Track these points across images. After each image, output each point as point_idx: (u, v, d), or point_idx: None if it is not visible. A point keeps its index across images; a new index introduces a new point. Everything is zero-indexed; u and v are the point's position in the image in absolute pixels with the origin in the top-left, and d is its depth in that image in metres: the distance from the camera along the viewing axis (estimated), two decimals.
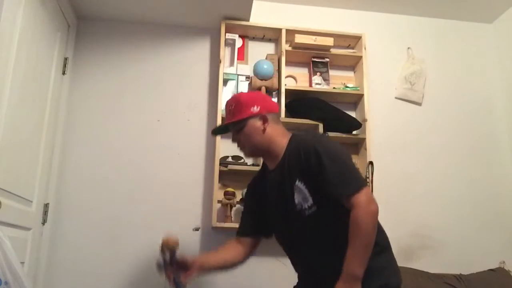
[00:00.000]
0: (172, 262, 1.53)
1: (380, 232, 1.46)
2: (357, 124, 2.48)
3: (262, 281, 2.28)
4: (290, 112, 2.43)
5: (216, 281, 2.26)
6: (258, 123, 1.54)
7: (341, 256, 1.32)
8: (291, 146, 1.52)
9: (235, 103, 1.58)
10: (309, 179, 1.43)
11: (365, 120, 2.48)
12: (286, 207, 1.50)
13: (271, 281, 2.27)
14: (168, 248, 1.54)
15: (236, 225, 2.22)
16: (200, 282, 2.24)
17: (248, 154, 1.68)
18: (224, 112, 2.33)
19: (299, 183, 1.45)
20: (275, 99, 2.46)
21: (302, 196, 1.44)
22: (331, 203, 1.39)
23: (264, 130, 1.54)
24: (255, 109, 1.54)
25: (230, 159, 2.33)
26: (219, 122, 2.31)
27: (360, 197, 1.33)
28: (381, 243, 1.46)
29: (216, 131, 1.76)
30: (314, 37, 2.51)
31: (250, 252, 1.70)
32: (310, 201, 1.42)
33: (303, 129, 2.33)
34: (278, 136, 1.56)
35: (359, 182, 1.39)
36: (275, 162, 1.56)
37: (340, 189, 1.36)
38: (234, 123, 1.56)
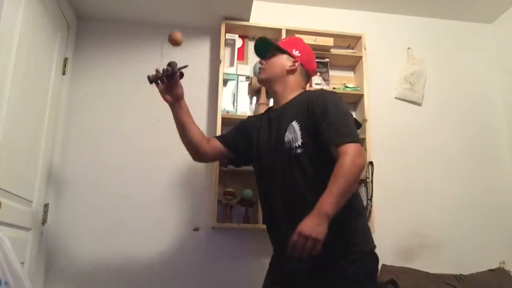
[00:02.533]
0: (172, 66, 1.60)
1: (358, 198, 1.55)
2: (357, 124, 2.47)
3: (261, 281, 2.27)
4: None
5: (215, 281, 2.26)
6: (288, 62, 1.68)
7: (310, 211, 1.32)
8: (299, 96, 1.63)
9: (292, 39, 1.84)
10: (306, 122, 1.50)
11: (365, 120, 2.48)
12: (274, 143, 1.57)
13: None
14: (176, 43, 1.67)
15: (236, 225, 2.25)
16: (199, 282, 2.24)
17: (261, 78, 1.76)
18: (223, 112, 2.35)
19: (295, 123, 1.52)
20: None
21: (293, 135, 1.51)
22: (320, 150, 1.45)
23: (287, 71, 1.67)
24: (296, 53, 1.70)
25: None
26: (219, 122, 2.31)
27: (350, 147, 1.38)
28: (359, 209, 1.53)
29: (259, 45, 1.81)
30: (314, 37, 2.51)
31: (212, 154, 1.76)
32: (299, 142, 1.48)
33: None
34: (295, 85, 1.68)
35: (355, 137, 1.44)
36: (280, 103, 1.66)
37: (335, 136, 1.42)
38: (275, 46, 1.73)
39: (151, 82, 1.61)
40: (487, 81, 2.85)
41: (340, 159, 1.36)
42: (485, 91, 2.83)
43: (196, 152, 1.73)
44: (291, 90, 1.66)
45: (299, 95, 1.63)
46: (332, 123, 1.44)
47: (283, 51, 1.70)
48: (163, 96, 1.64)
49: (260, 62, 1.77)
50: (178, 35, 1.68)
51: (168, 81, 1.62)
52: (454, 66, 2.84)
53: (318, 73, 2.57)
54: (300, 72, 1.69)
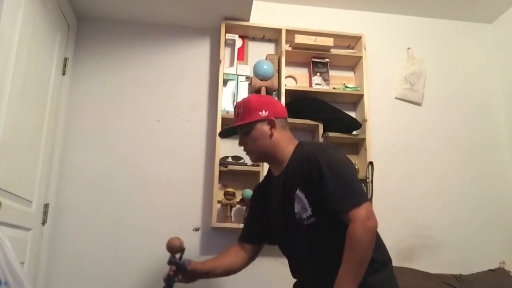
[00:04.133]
0: (174, 263, 1.54)
1: (379, 248, 1.44)
2: (357, 124, 2.48)
3: (260, 281, 2.28)
4: (290, 113, 2.37)
5: (214, 282, 2.26)
6: (265, 127, 1.54)
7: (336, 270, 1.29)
8: (295, 155, 1.51)
9: (244, 106, 1.58)
10: (309, 189, 1.41)
11: (365, 120, 2.48)
12: (286, 216, 1.49)
13: (269, 281, 2.27)
14: (173, 252, 1.56)
15: (236, 225, 2.25)
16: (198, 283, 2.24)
17: (254, 159, 1.66)
18: (223, 113, 2.35)
19: (299, 192, 1.43)
20: None
21: (301, 205, 1.43)
22: (331, 215, 1.36)
23: (271, 135, 1.53)
24: (264, 113, 1.54)
25: (230, 159, 2.33)
26: (219, 122, 2.31)
27: (359, 212, 1.30)
28: (379, 260, 1.42)
29: (224, 133, 1.71)
30: (314, 37, 2.51)
31: (252, 257, 1.71)
32: (309, 212, 1.41)
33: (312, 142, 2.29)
34: (285, 142, 1.55)
35: (359, 196, 1.35)
36: (280, 168, 1.55)
37: (340, 203, 1.34)
38: (241, 126, 1.56)
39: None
40: (487, 81, 2.85)
41: (350, 226, 1.30)
42: (485, 91, 2.83)
43: (244, 267, 1.71)
44: (285, 150, 1.54)
45: (294, 155, 1.52)
46: (331, 190, 1.35)
47: (252, 123, 1.54)
48: (182, 282, 1.58)
49: (240, 144, 1.62)
50: (176, 241, 1.56)
51: (183, 273, 1.55)
52: (454, 66, 2.84)
53: (318, 73, 2.57)
54: (280, 125, 1.56)
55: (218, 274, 1.67)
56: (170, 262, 1.54)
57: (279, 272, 2.16)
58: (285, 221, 1.51)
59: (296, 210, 1.44)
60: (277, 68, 2.48)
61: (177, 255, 1.55)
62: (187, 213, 2.33)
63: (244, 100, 1.63)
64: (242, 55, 2.58)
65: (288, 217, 1.48)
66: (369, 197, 2.36)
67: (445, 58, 2.84)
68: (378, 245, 1.42)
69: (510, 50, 2.79)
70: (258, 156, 1.60)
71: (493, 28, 2.95)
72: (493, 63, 2.88)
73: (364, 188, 1.96)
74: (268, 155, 1.57)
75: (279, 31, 2.53)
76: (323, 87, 2.54)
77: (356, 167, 1.52)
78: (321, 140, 2.38)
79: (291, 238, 1.52)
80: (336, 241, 1.33)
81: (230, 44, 2.55)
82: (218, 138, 2.29)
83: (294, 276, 1.60)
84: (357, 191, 1.37)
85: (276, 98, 2.45)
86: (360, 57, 2.59)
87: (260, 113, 1.54)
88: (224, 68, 2.44)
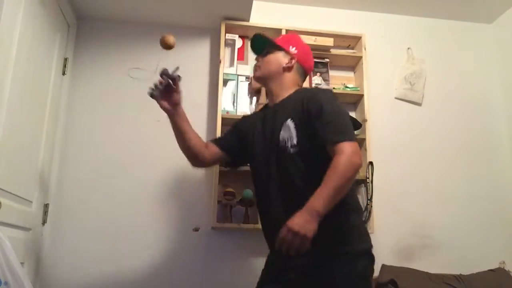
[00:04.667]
0: (166, 75, 1.57)
1: (353, 195, 1.53)
2: (357, 124, 2.48)
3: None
4: None
5: (215, 282, 2.26)
6: (284, 59, 1.66)
7: None
8: (295, 93, 1.61)
9: (288, 36, 1.81)
10: (301, 121, 1.48)
11: (365, 120, 2.48)
12: (270, 142, 1.55)
13: None
14: (168, 47, 1.62)
15: (236, 225, 2.25)
16: (199, 282, 2.24)
17: (256, 76, 1.73)
18: (223, 113, 2.35)
19: (290, 121, 1.50)
20: None
21: (288, 134, 1.49)
22: (315, 149, 1.43)
23: (284, 68, 1.65)
24: (293, 50, 1.68)
25: None
26: (219, 122, 2.31)
27: (347, 145, 1.37)
28: (352, 205, 1.50)
29: (255, 40, 1.75)
30: (314, 37, 2.51)
31: (206, 158, 1.73)
32: (295, 141, 1.47)
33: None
34: (291, 82, 1.66)
35: (351, 135, 1.44)
36: (275, 100, 1.65)
37: (331, 135, 1.40)
38: (272, 43, 1.69)
39: (156, 98, 1.59)
40: (487, 81, 2.85)
41: (336, 157, 1.35)
42: (485, 91, 2.83)
43: (195, 159, 1.72)
44: (286, 88, 1.64)
45: (294, 92, 1.61)
46: (328, 122, 1.42)
47: (280, 48, 1.68)
48: (162, 106, 1.62)
49: (256, 59, 1.75)
50: (170, 38, 1.63)
51: (167, 90, 1.59)
52: (454, 66, 2.84)
53: (318, 73, 2.57)
54: (296, 69, 1.67)
55: (183, 135, 1.68)
56: (163, 74, 1.57)
57: None
58: (267, 147, 1.56)
59: (280, 138, 1.50)
60: None
61: (170, 70, 1.57)
62: (187, 213, 2.33)
63: (292, 34, 1.87)
64: (242, 55, 2.58)
65: (270, 143, 1.54)
66: (369, 197, 2.36)
67: (445, 58, 2.84)
68: (352, 192, 1.50)
69: (510, 50, 2.79)
70: (261, 75, 1.69)
71: (493, 28, 2.95)
72: (493, 63, 2.88)
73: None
74: (270, 81, 1.67)
75: (279, 31, 2.53)
76: (323, 87, 2.54)
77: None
78: None
79: (268, 167, 1.55)
80: (311, 174, 1.40)
81: (230, 44, 2.55)
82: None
83: (260, 220, 1.63)
84: (350, 130, 1.46)
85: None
86: (360, 57, 2.59)
87: (291, 47, 1.68)
88: (224, 68, 2.44)
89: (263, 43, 1.73)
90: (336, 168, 1.32)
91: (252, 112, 1.90)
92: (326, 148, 1.41)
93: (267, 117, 1.63)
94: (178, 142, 1.71)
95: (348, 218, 1.45)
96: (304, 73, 1.73)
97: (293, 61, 1.66)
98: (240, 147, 1.73)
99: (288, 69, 1.65)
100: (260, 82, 1.81)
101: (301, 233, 1.24)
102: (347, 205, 1.41)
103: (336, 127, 1.42)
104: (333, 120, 1.43)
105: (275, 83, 1.65)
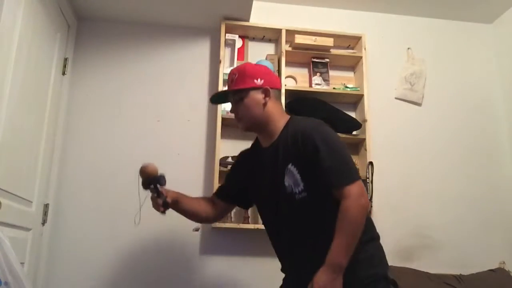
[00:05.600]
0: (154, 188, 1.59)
1: (369, 223, 1.48)
2: (357, 125, 2.48)
3: (262, 281, 2.28)
4: (290, 113, 2.42)
5: (215, 282, 2.26)
6: (259, 96, 1.51)
7: (327, 248, 1.31)
8: (288, 129, 1.50)
9: (239, 72, 1.54)
10: (302, 165, 1.42)
11: (365, 121, 2.48)
12: (275, 188, 1.49)
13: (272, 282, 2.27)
14: (145, 176, 1.60)
15: (236, 225, 2.25)
16: (199, 282, 2.24)
17: (244, 127, 1.58)
18: (223, 113, 2.35)
19: (292, 166, 1.44)
20: None
21: (293, 180, 1.44)
22: (323, 192, 1.39)
23: (265, 104, 1.51)
24: (259, 81, 1.51)
25: (230, 159, 2.32)
26: (219, 122, 2.31)
27: (352, 189, 1.34)
28: (369, 233, 1.46)
29: (216, 99, 1.67)
30: (314, 37, 2.51)
31: (219, 215, 1.75)
32: (301, 186, 1.42)
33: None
34: (277, 114, 1.54)
35: (353, 174, 1.38)
36: (270, 141, 1.54)
37: (333, 179, 1.36)
38: (235, 91, 1.53)
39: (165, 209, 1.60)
40: (487, 81, 2.85)
41: (343, 203, 1.32)
42: (485, 91, 2.83)
43: (204, 222, 1.79)
44: (277, 122, 1.53)
45: (285, 128, 1.51)
46: (327, 167, 1.36)
47: (246, 90, 1.52)
48: (160, 209, 1.60)
49: (231, 112, 1.60)
50: (148, 167, 1.61)
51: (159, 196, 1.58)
52: (454, 66, 2.84)
53: (318, 73, 2.57)
54: (273, 96, 1.54)
55: (182, 210, 1.67)
56: (149, 185, 1.60)
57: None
58: (274, 194, 1.51)
59: (286, 184, 1.45)
60: (277, 68, 2.48)
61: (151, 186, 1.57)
62: None
63: (239, 66, 1.60)
64: (242, 55, 2.58)
65: (277, 190, 1.48)
66: (369, 197, 2.36)
67: (445, 58, 2.84)
68: (369, 220, 1.47)
69: (510, 50, 2.79)
70: (249, 124, 1.55)
71: (493, 28, 2.95)
72: (493, 63, 2.88)
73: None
74: (260, 125, 1.54)
75: (279, 31, 2.53)
76: (323, 87, 2.54)
77: (356, 166, 1.55)
78: None
79: (277, 212, 1.52)
80: (324, 221, 1.38)
81: (230, 44, 2.55)
82: (218, 138, 2.29)
83: (280, 260, 1.60)
84: (351, 168, 1.40)
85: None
86: (360, 57, 2.59)
87: (255, 80, 1.51)
88: (224, 68, 2.44)
89: (225, 97, 1.63)
90: (345, 216, 1.31)
91: (236, 158, 1.80)
92: (332, 192, 1.38)
93: (265, 162, 1.55)
94: (188, 218, 1.74)
95: (368, 248, 1.43)
96: (279, 92, 1.65)
97: (268, 92, 1.52)
98: (244, 194, 1.69)
99: (266, 102, 1.52)
100: (251, 131, 1.61)
101: None
102: (363, 236, 1.38)
103: (337, 171, 1.37)
104: (332, 164, 1.37)
105: (266, 124, 1.53)
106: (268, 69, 1.63)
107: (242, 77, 1.52)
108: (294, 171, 1.43)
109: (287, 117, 1.56)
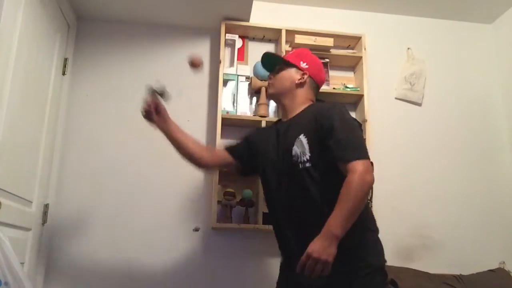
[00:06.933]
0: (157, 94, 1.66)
1: (371, 215, 1.56)
2: (357, 125, 2.48)
3: (262, 281, 2.28)
4: None
5: (215, 282, 2.26)
6: (296, 76, 1.67)
7: (323, 222, 1.32)
8: (308, 108, 1.62)
9: (297, 51, 1.80)
10: (314, 137, 1.48)
11: (365, 121, 2.48)
12: (282, 156, 1.56)
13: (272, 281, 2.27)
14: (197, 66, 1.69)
15: (236, 226, 2.25)
16: (199, 282, 2.24)
17: (270, 94, 1.75)
18: (223, 113, 2.35)
19: (303, 136, 1.50)
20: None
21: (301, 149, 1.49)
22: (327, 166, 1.43)
23: (297, 85, 1.65)
24: (304, 65, 1.69)
25: None
26: (219, 122, 2.31)
27: (359, 165, 1.37)
28: (371, 222, 1.54)
29: (265, 58, 1.77)
30: (314, 37, 2.51)
31: (212, 163, 1.79)
32: (307, 156, 1.47)
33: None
34: (304, 97, 1.66)
35: (363, 152, 1.42)
36: (289, 116, 1.65)
37: (343, 153, 1.40)
38: (283, 60, 1.72)
39: (150, 120, 1.69)
40: (487, 81, 2.85)
41: (348, 176, 1.35)
42: (485, 91, 2.83)
43: (197, 164, 1.76)
44: (300, 103, 1.64)
45: (307, 107, 1.62)
46: (339, 139, 1.42)
47: (291, 65, 1.69)
48: (156, 125, 1.70)
49: (268, 77, 1.76)
50: (198, 60, 1.72)
51: (156, 109, 1.69)
52: (454, 66, 2.84)
53: None
54: (309, 84, 1.68)
55: (175, 139, 1.72)
56: (152, 92, 1.68)
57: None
58: (279, 162, 1.57)
59: (293, 153, 1.50)
60: None
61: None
62: (187, 213, 2.33)
63: (302, 48, 1.85)
64: (242, 55, 2.58)
65: (283, 158, 1.55)
66: (369, 197, 2.35)
67: (445, 58, 2.84)
68: (370, 214, 1.55)
69: (510, 50, 2.79)
70: (274, 92, 1.71)
71: (493, 28, 2.95)
72: (493, 64, 2.88)
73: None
74: (283, 98, 1.68)
75: (279, 31, 2.53)
76: (323, 87, 2.53)
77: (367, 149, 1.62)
78: None
79: (280, 182, 1.56)
80: (323, 189, 1.43)
81: (230, 44, 2.55)
82: (218, 138, 2.29)
83: (277, 235, 1.63)
84: (362, 147, 1.45)
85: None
86: (360, 57, 2.59)
87: (301, 62, 1.69)
88: (224, 68, 2.44)
89: (273, 60, 1.75)
90: (349, 189, 1.33)
91: (255, 114, 1.96)
92: (338, 166, 1.41)
93: (280, 132, 1.63)
94: (178, 152, 1.75)
95: (364, 235, 1.47)
96: (317, 87, 1.73)
97: (305, 76, 1.66)
98: (250, 157, 1.74)
99: (300, 84, 1.66)
100: (274, 99, 1.82)
101: (322, 259, 1.26)
102: (363, 223, 1.42)
103: (347, 145, 1.42)
104: (344, 137, 1.42)
105: (289, 99, 1.66)
106: (321, 65, 1.78)
107: (295, 55, 1.74)
108: (304, 140, 1.49)
109: (311, 102, 1.67)
